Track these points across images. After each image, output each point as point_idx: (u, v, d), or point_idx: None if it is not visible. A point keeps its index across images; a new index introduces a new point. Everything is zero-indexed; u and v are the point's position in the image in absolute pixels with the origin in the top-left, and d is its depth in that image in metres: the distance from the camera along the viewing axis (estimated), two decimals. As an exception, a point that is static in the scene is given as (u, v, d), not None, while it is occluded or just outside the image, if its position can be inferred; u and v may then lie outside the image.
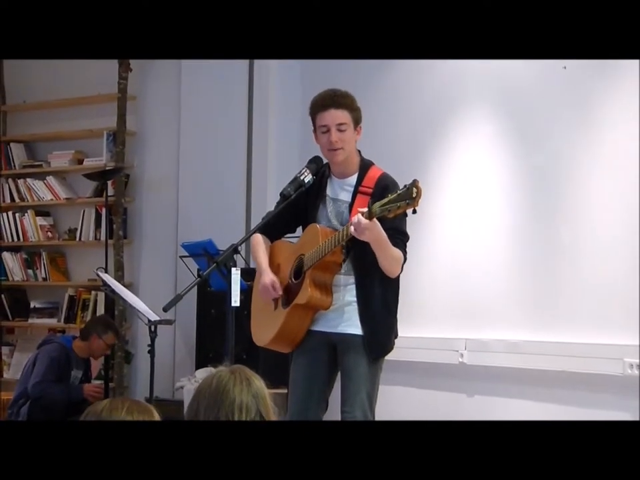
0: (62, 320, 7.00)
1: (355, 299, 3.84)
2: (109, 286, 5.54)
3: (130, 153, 6.80)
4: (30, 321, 7.15)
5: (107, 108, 6.73)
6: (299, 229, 4.10)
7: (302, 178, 3.90)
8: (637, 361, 4.46)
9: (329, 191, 3.95)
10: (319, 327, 3.92)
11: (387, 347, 3.90)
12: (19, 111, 7.40)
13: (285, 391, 4.37)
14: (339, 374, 3.96)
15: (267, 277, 3.95)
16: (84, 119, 7.00)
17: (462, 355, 5.16)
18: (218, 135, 6.37)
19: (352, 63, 5.32)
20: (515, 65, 4.88)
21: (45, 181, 7.08)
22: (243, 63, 6.23)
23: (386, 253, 3.72)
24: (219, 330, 5.38)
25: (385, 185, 3.79)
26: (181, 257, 5.74)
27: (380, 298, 3.84)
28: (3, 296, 7.20)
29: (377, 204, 3.51)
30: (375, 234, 3.61)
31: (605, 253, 4.68)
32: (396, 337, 3.94)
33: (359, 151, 3.96)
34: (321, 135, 3.88)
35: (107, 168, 6.62)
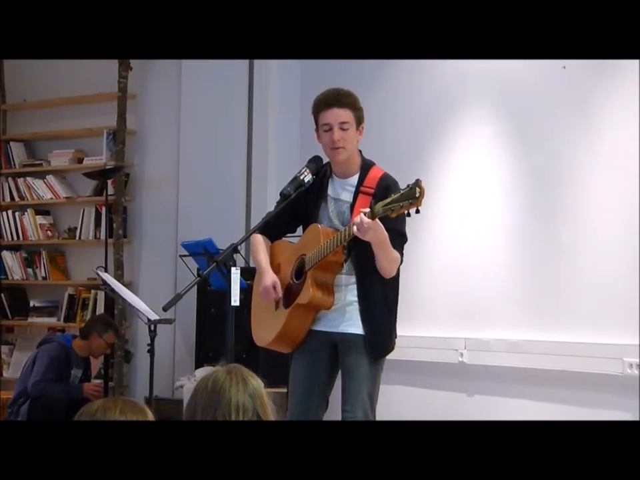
0: (61, 319, 7.00)
1: (356, 298, 3.84)
2: (109, 285, 5.54)
3: (130, 152, 6.80)
4: (29, 319, 7.15)
5: (107, 107, 6.73)
6: (299, 229, 4.10)
7: (302, 177, 3.89)
8: (637, 360, 4.46)
9: (330, 191, 3.95)
10: (320, 326, 3.92)
11: (388, 346, 3.90)
12: (19, 109, 7.40)
13: (285, 390, 4.37)
14: (339, 373, 3.96)
15: (268, 278, 3.95)
16: (84, 117, 7.00)
17: (462, 355, 5.16)
18: (218, 134, 6.37)
19: (352, 63, 5.32)
20: (515, 64, 4.88)
21: (45, 180, 7.08)
22: (243, 63, 6.23)
23: (386, 254, 3.72)
24: (219, 329, 5.39)
25: (386, 185, 3.79)
26: (180, 256, 5.74)
27: (381, 297, 3.85)
28: (2, 295, 7.20)
29: (380, 203, 3.51)
30: (378, 234, 3.61)
31: (605, 253, 4.68)
32: (395, 336, 3.95)
33: (360, 151, 3.96)
34: (323, 133, 3.88)
35: (107, 167, 6.62)
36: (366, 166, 3.92)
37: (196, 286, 4.00)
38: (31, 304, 7.19)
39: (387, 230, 3.64)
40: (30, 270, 7.17)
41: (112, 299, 6.34)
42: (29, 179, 7.14)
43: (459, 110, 5.33)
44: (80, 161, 7.03)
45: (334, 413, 3.96)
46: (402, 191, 3.46)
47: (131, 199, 6.87)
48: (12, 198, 7.21)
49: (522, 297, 5.01)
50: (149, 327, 5.05)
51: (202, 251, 5.19)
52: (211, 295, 5.78)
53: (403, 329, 4.01)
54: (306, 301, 3.83)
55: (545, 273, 4.94)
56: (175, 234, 6.50)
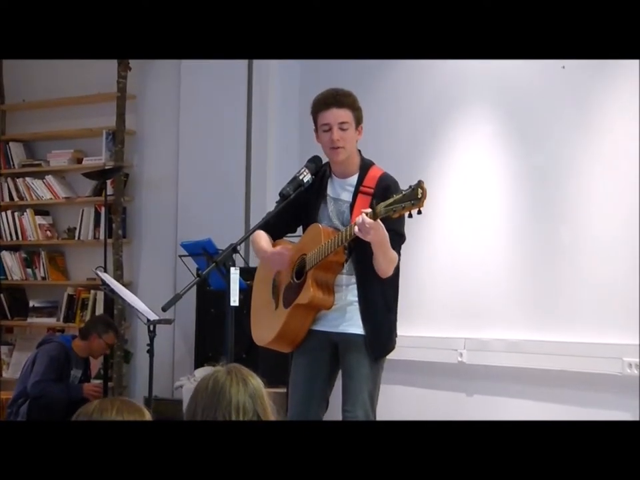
0: (61, 319, 7.00)
1: (357, 298, 3.84)
2: (108, 285, 5.54)
3: (129, 152, 6.80)
4: (29, 320, 7.15)
5: (106, 107, 6.73)
6: (299, 229, 4.10)
7: (301, 177, 3.89)
8: (637, 360, 4.46)
9: (329, 191, 3.95)
10: (320, 326, 3.92)
11: (389, 346, 3.90)
12: (18, 109, 7.40)
13: (284, 390, 4.37)
14: (340, 373, 3.96)
15: (274, 249, 3.93)
16: (83, 118, 6.99)
17: (461, 354, 5.16)
18: (217, 134, 6.37)
19: (352, 63, 5.32)
20: (515, 64, 4.87)
21: (44, 180, 7.07)
22: (242, 63, 6.22)
23: (385, 254, 3.72)
24: (218, 329, 5.37)
25: (386, 185, 3.79)
26: (180, 256, 5.74)
27: (381, 297, 3.85)
28: (2, 295, 7.20)
29: (382, 204, 3.51)
30: (380, 235, 3.60)
31: (605, 253, 4.68)
32: (396, 336, 3.94)
33: (359, 151, 3.96)
34: (322, 133, 3.88)
35: (106, 167, 6.62)
36: (365, 166, 3.92)
37: (195, 286, 4.00)
38: (31, 304, 7.18)
39: (386, 230, 3.64)
40: (29, 270, 7.17)
41: (111, 299, 6.34)
42: (28, 179, 7.13)
43: (459, 110, 5.33)
44: (79, 161, 7.03)
45: (334, 412, 3.96)
46: (404, 192, 3.46)
47: (130, 199, 6.87)
48: (11, 198, 7.20)
49: (521, 297, 5.01)
50: (149, 327, 5.05)
51: (201, 251, 5.19)
52: (210, 295, 5.78)
53: (403, 329, 4.01)
54: (306, 300, 3.83)
55: (545, 273, 4.93)
56: (175, 234, 6.50)
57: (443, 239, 5.35)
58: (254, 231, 4.00)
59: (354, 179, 3.91)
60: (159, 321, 5.09)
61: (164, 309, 3.80)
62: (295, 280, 3.93)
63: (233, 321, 3.91)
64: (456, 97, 5.35)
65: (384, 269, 3.77)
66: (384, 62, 5.46)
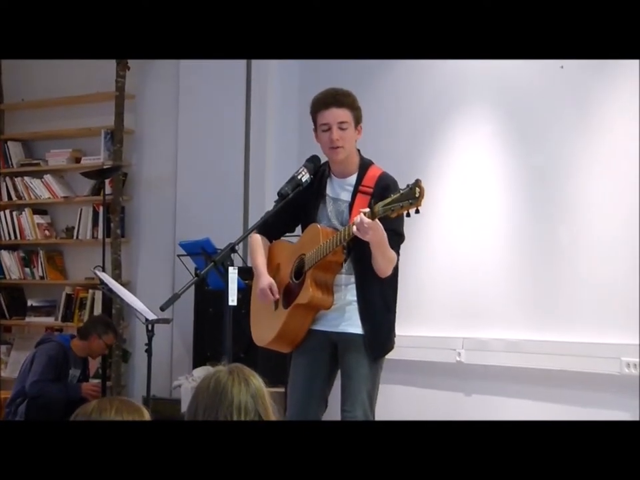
0: (59, 318, 6.99)
1: (356, 298, 3.84)
2: (107, 285, 5.53)
3: (128, 152, 6.79)
4: (27, 319, 7.14)
5: (105, 106, 6.72)
6: (298, 229, 4.09)
7: (299, 177, 3.89)
8: (636, 360, 4.46)
9: (329, 191, 3.94)
10: (320, 326, 3.91)
11: (388, 346, 3.90)
12: (16, 109, 7.39)
13: (283, 390, 4.37)
14: (339, 373, 3.96)
15: (265, 280, 3.95)
16: (82, 117, 6.99)
17: (459, 354, 5.16)
18: (216, 134, 6.37)
19: (351, 62, 5.31)
20: (515, 64, 4.87)
21: (43, 180, 7.07)
22: (241, 63, 6.22)
23: (383, 254, 3.72)
24: (217, 329, 5.38)
25: (385, 185, 3.79)
26: (178, 255, 5.74)
27: (380, 297, 3.85)
28: (0, 294, 7.20)
29: (380, 204, 3.51)
30: (378, 235, 3.60)
31: (605, 253, 4.68)
32: (394, 336, 3.94)
33: (359, 151, 3.96)
34: (321, 133, 3.87)
35: (105, 166, 6.62)
36: (364, 165, 3.92)
37: (194, 286, 4.00)
38: (29, 303, 7.18)
39: (385, 229, 3.64)
40: (27, 269, 7.16)
41: (110, 298, 6.34)
42: (26, 178, 7.13)
43: (459, 110, 5.33)
44: (78, 160, 7.02)
45: (333, 412, 3.95)
46: (402, 191, 3.46)
47: (129, 198, 6.86)
48: (9, 197, 7.20)
49: (521, 297, 5.01)
50: (147, 326, 5.04)
51: (200, 251, 5.19)
52: (208, 295, 5.78)
53: (402, 329, 4.01)
54: (306, 300, 3.83)
55: (544, 273, 4.93)
56: (173, 233, 6.49)
57: (442, 238, 5.35)
58: (252, 230, 4.00)
59: (353, 178, 3.90)
60: (157, 321, 5.08)
61: (162, 309, 3.80)
62: (294, 280, 3.92)
63: (232, 320, 3.91)
64: (455, 97, 5.35)
65: (383, 268, 3.77)
66: (384, 62, 5.45)
